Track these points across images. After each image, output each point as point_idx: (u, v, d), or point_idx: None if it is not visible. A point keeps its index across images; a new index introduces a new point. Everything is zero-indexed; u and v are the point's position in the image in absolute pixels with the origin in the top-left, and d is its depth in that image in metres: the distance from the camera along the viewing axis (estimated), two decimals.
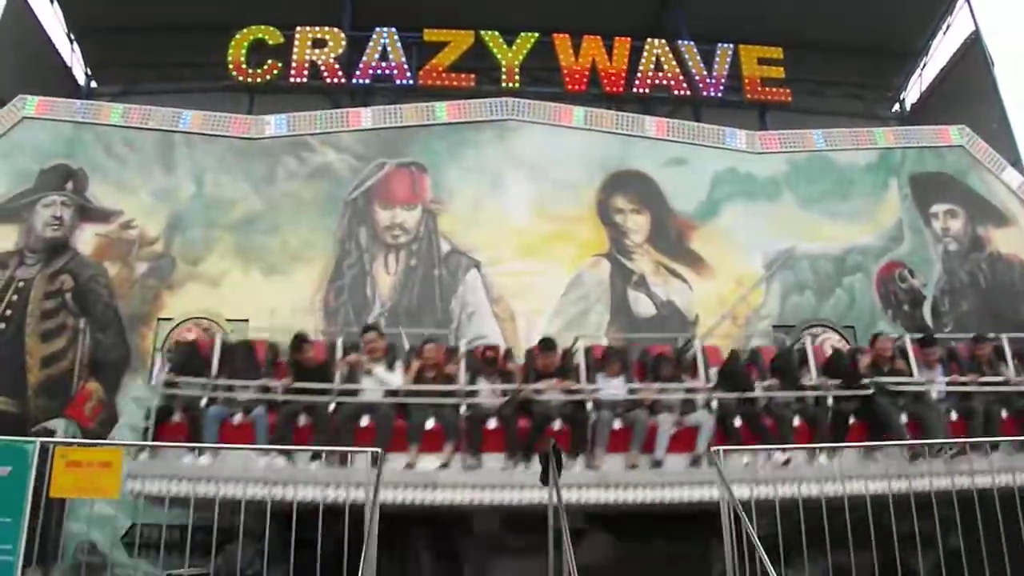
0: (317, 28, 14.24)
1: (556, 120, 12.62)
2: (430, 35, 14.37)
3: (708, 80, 14.62)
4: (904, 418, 8.62)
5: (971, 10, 16.09)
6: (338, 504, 6.92)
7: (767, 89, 14.73)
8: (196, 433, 8.09)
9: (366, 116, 12.48)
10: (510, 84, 14.05)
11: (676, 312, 11.40)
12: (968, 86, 15.90)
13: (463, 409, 8.32)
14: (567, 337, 11.05)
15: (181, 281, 11.12)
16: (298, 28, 14.22)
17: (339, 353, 8.75)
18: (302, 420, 8.18)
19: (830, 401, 8.70)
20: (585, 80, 14.36)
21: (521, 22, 14.64)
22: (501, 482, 8.21)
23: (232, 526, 7.63)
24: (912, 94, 18.09)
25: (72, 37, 16.41)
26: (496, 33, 14.37)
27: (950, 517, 7.51)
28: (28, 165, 11.56)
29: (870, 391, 8.70)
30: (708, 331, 11.26)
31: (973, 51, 16.00)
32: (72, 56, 16.61)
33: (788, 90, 14.80)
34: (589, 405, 8.48)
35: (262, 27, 14.17)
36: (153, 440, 8.15)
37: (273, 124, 12.26)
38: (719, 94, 14.66)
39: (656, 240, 11.89)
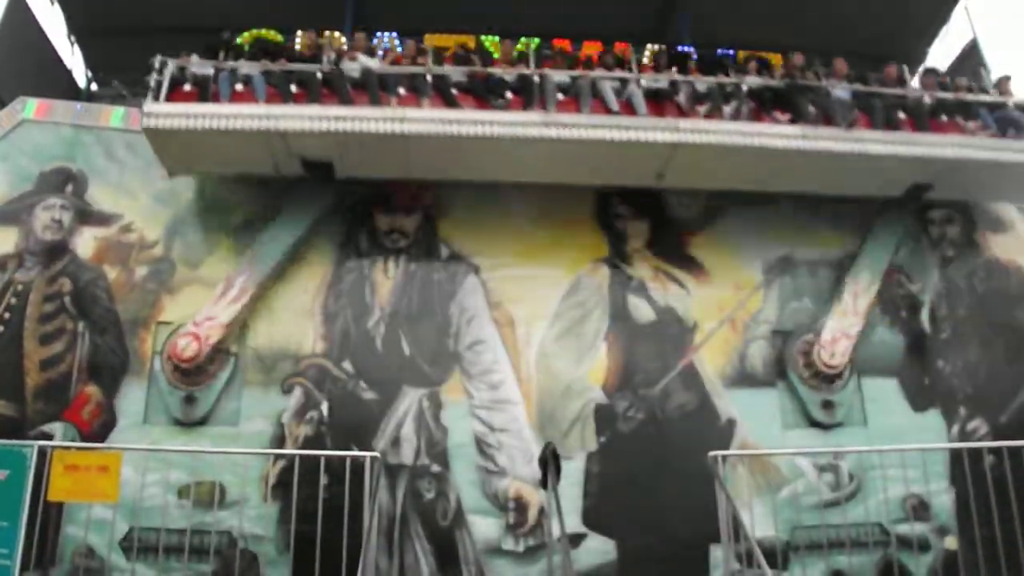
0: (318, 31, 14.27)
1: None
2: (431, 40, 14.39)
3: None
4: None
5: (969, 18, 16.16)
6: None
7: None
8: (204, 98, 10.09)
9: None
10: None
11: (675, 318, 11.40)
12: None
13: None
14: (563, 344, 11.13)
15: (180, 285, 11.11)
16: (299, 31, 14.24)
17: None
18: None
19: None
20: None
21: (522, 27, 14.69)
22: None
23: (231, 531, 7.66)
24: None
25: (73, 39, 16.44)
26: (496, 38, 14.41)
27: None
28: (27, 167, 11.55)
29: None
30: (707, 337, 11.32)
31: (971, 59, 16.05)
32: (73, 58, 16.65)
33: None
34: None
35: (263, 29, 14.21)
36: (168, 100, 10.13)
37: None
38: None
39: (655, 246, 11.90)
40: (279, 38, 14.16)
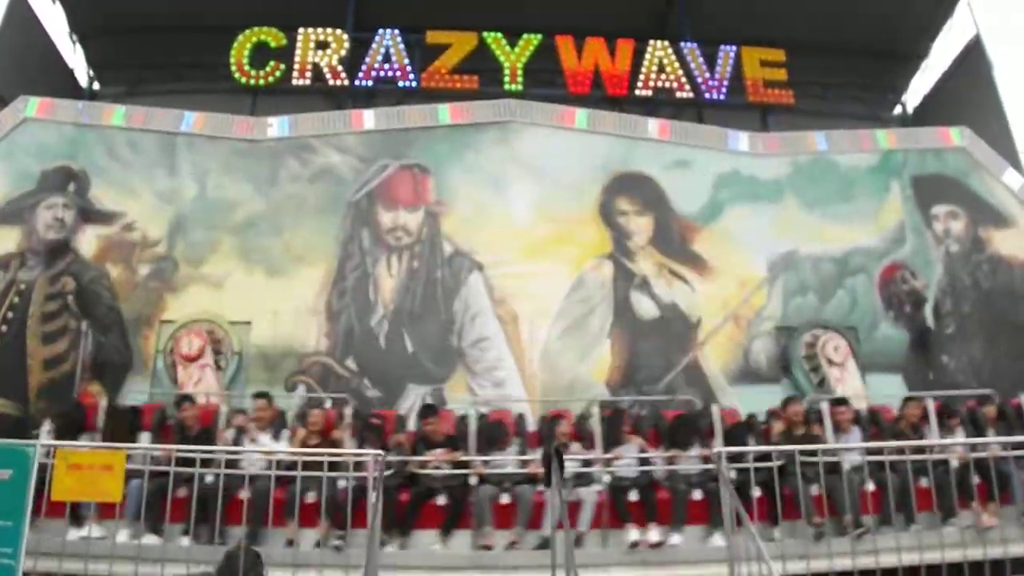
0: (320, 30, 14.27)
1: (559, 122, 12.57)
2: (433, 37, 14.39)
3: (711, 82, 14.66)
4: (814, 491, 7.73)
5: (972, 13, 16.11)
6: None
7: (769, 91, 14.76)
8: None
9: (369, 118, 12.45)
10: (513, 86, 14.08)
11: (679, 314, 11.39)
12: (969, 88, 15.91)
13: (340, 483, 7.42)
14: (566, 341, 11.10)
15: (183, 283, 11.10)
16: (301, 30, 14.25)
17: (222, 420, 8.45)
18: (182, 491, 7.28)
19: (732, 474, 7.27)
20: (588, 82, 14.39)
21: (524, 24, 14.65)
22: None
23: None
24: (913, 96, 18.11)
25: (75, 38, 16.42)
26: (499, 35, 14.40)
27: None
28: (30, 166, 11.55)
29: (780, 462, 7.56)
30: (710, 333, 11.29)
31: (974, 54, 16.01)
32: (75, 57, 16.62)
33: (790, 92, 14.83)
34: (473, 480, 7.81)
35: (265, 29, 14.21)
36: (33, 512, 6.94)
37: (276, 126, 12.22)
38: (722, 96, 14.68)
39: (659, 242, 11.87)
40: (282, 40, 14.12)
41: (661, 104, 14.83)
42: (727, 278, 11.68)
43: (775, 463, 7.37)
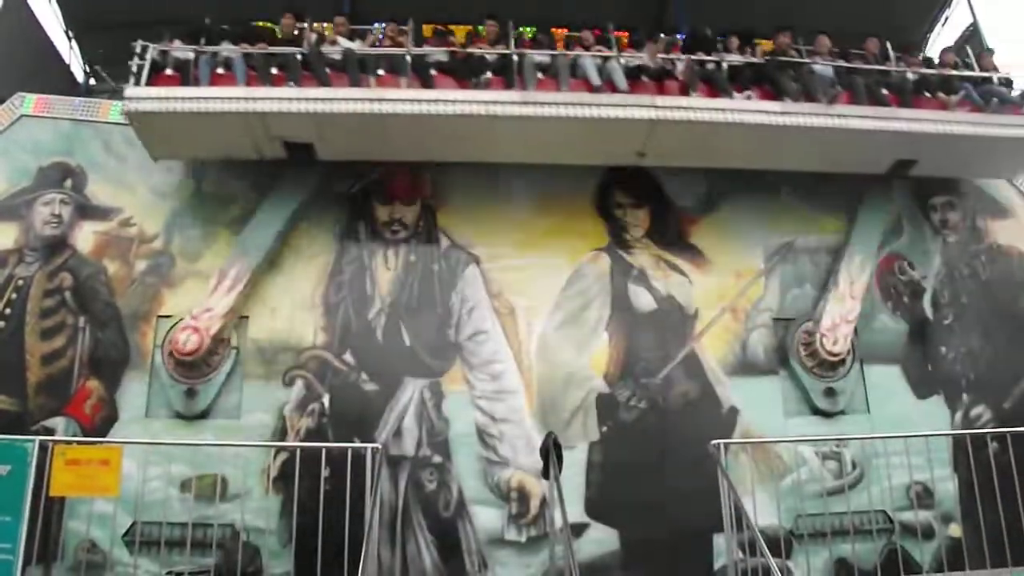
0: (316, 23, 14.21)
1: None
2: (428, 30, 14.34)
3: None
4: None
5: (969, 3, 16.08)
6: None
7: None
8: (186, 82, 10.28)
9: None
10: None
11: (676, 306, 11.39)
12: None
13: None
14: (564, 333, 11.11)
15: (181, 278, 11.10)
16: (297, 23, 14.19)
17: None
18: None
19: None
20: None
21: (519, 16, 14.62)
22: None
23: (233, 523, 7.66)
24: None
25: (70, 35, 16.40)
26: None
27: None
28: (26, 163, 11.53)
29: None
30: (708, 325, 11.30)
31: (971, 43, 15.97)
32: (71, 53, 16.61)
33: None
34: None
35: (260, 23, 14.15)
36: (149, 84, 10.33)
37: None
38: None
39: (656, 234, 11.87)
40: (277, 33, 14.08)
41: None
42: (724, 270, 11.68)
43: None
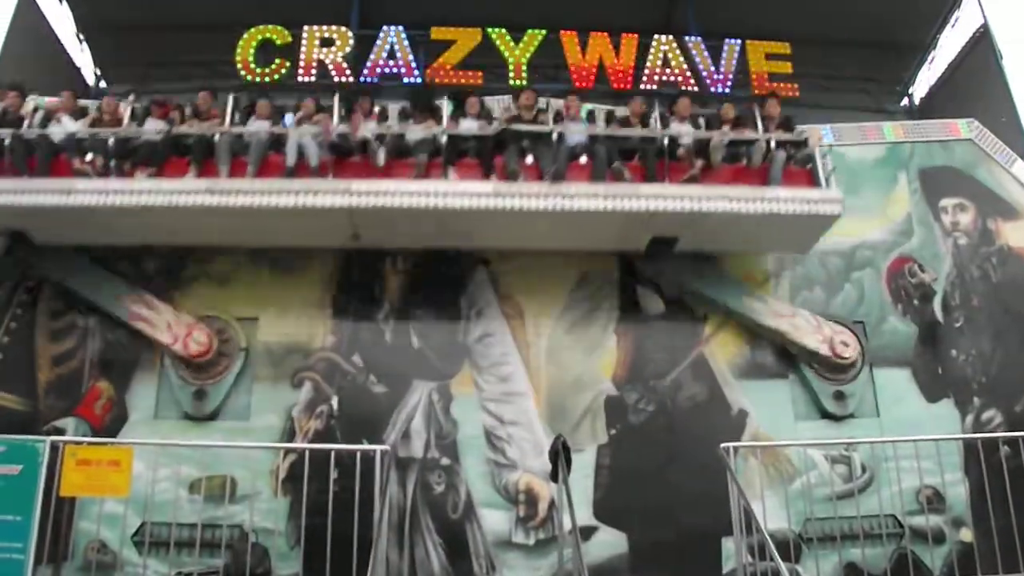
0: (325, 27, 14.29)
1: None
2: (437, 33, 14.39)
3: (715, 76, 14.61)
4: (530, 160, 10.27)
5: (980, 3, 16.04)
6: None
7: (774, 85, 14.68)
8: None
9: None
10: (517, 81, 14.06)
11: (686, 309, 11.37)
12: (977, 80, 15.85)
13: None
14: (573, 336, 11.10)
15: (190, 280, 11.12)
16: (306, 27, 14.26)
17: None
18: None
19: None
20: (592, 77, 14.36)
21: (528, 19, 14.66)
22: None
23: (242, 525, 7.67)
24: (920, 88, 18.04)
25: (81, 37, 16.48)
26: (503, 31, 14.38)
27: None
28: None
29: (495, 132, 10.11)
30: (717, 328, 11.27)
31: (982, 44, 15.94)
32: (82, 56, 16.68)
33: (795, 85, 14.75)
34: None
35: (270, 27, 14.23)
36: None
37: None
38: (727, 90, 14.63)
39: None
40: (287, 37, 14.15)
41: (666, 98, 14.80)
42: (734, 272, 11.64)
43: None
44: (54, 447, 7.45)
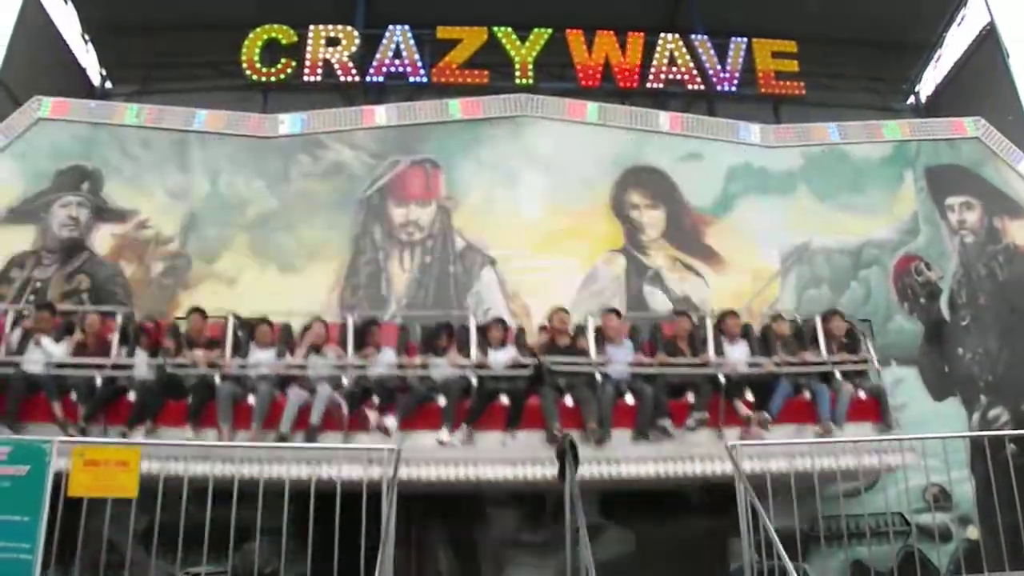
0: (330, 27, 14.28)
1: (570, 116, 12.58)
2: (443, 32, 14.38)
3: (722, 74, 14.61)
4: (569, 402, 8.74)
5: (986, 2, 15.99)
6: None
7: (781, 83, 14.69)
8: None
9: (380, 114, 12.49)
10: (523, 80, 14.06)
11: (692, 307, 11.33)
12: (983, 78, 15.81)
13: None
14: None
15: (197, 280, 11.15)
16: (311, 27, 14.26)
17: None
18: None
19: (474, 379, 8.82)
20: (599, 76, 14.35)
21: (534, 18, 14.64)
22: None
23: (250, 524, 7.66)
24: (927, 86, 18.00)
25: (87, 38, 16.49)
26: (509, 29, 14.37)
27: None
28: (44, 166, 11.62)
29: (527, 371, 8.90)
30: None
31: (988, 43, 15.90)
32: (87, 57, 16.69)
33: (802, 84, 14.75)
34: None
35: (275, 26, 14.23)
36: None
37: (287, 122, 12.26)
38: (733, 88, 14.63)
39: (671, 235, 11.86)
40: (293, 37, 14.15)
41: (672, 97, 14.81)
42: (740, 271, 11.67)
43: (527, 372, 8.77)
44: (62, 447, 7.46)
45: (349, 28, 14.32)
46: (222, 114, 12.30)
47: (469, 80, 14.11)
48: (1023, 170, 12.91)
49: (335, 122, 12.33)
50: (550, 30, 14.42)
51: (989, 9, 15.92)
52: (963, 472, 10.37)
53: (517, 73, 14.17)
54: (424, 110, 12.53)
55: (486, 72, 14.30)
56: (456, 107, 12.52)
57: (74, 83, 15.69)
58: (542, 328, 9.72)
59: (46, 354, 8.90)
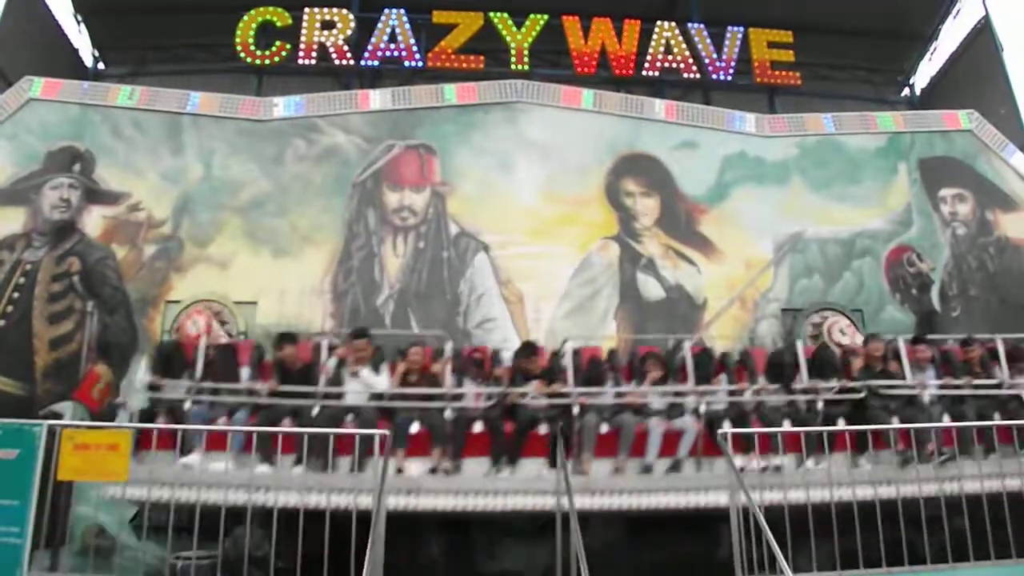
0: (326, 9, 14.21)
1: (565, 103, 12.55)
2: (439, 17, 14.32)
3: (718, 63, 14.59)
4: (896, 422, 8.18)
5: None
6: (319, 509, 6.74)
7: (777, 72, 14.68)
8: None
9: (375, 98, 12.44)
10: (519, 66, 14.03)
11: (685, 295, 11.37)
12: (977, 71, 15.84)
13: (447, 413, 7.99)
14: (573, 322, 11.08)
15: (189, 263, 11.10)
16: (307, 9, 14.18)
17: (324, 354, 8.43)
18: (286, 423, 7.75)
19: (820, 404, 8.38)
20: (594, 63, 14.32)
21: (530, 4, 14.58)
22: (483, 488, 7.91)
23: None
24: (921, 78, 18.03)
25: (79, 18, 16.36)
26: (505, 15, 14.33)
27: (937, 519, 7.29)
28: (35, 147, 11.52)
29: (861, 395, 8.44)
30: (717, 315, 11.27)
31: (983, 36, 15.93)
32: (80, 38, 16.57)
33: (798, 74, 14.76)
34: (576, 409, 8.14)
35: (271, 8, 14.15)
36: (136, 443, 7.58)
37: (282, 106, 12.20)
38: (729, 77, 14.62)
39: (665, 223, 11.85)
40: (288, 19, 14.06)
41: (668, 85, 14.80)
42: (733, 260, 11.67)
43: (857, 396, 8.33)
44: (51, 431, 7.41)
45: (344, 11, 14.24)
46: (216, 97, 12.22)
47: (465, 65, 14.07)
48: (1015, 163, 12.93)
49: (330, 106, 12.27)
50: (546, 16, 14.37)
51: (984, 3, 15.93)
52: None
53: (513, 59, 14.13)
54: (419, 95, 12.47)
55: (482, 58, 14.26)
56: (451, 92, 12.47)
57: (66, 64, 15.57)
58: (848, 352, 9.41)
59: (367, 384, 8.40)
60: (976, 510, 7.19)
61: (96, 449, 7.29)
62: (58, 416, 9.87)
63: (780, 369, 8.76)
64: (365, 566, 6.02)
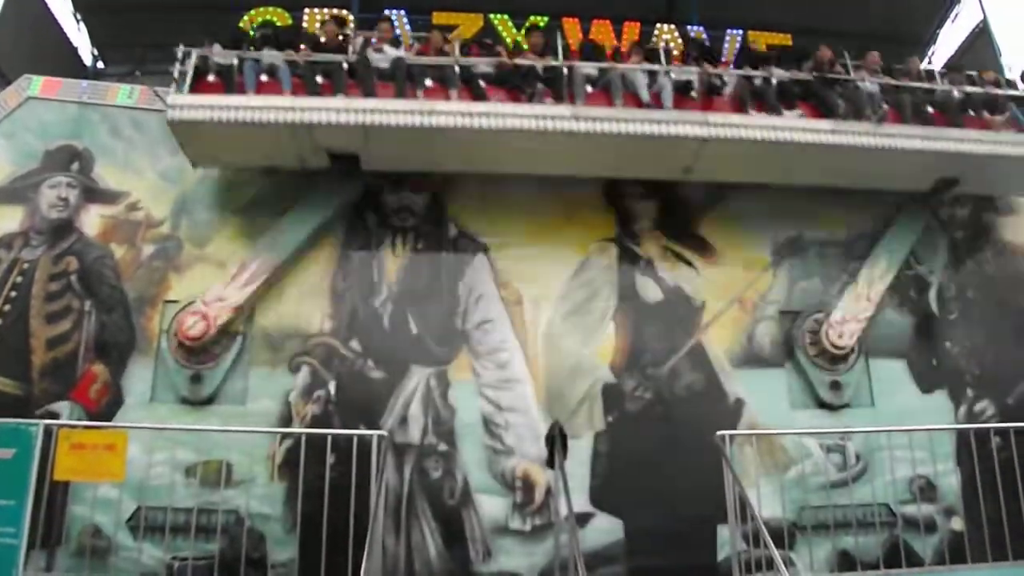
0: (326, 9, 14.20)
1: None
2: (439, 18, 14.30)
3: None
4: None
5: (980, 0, 16.06)
6: None
7: None
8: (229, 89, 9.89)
9: None
10: None
11: (683, 297, 11.37)
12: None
13: None
14: (575, 321, 11.08)
15: (188, 263, 11.07)
16: (307, 9, 14.18)
17: None
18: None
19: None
20: None
21: (530, 5, 14.61)
22: None
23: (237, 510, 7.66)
24: None
25: (79, 17, 16.38)
26: (506, 16, 14.34)
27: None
28: (33, 145, 11.50)
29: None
30: (715, 317, 11.28)
31: (981, 40, 15.97)
32: (79, 36, 16.59)
33: None
34: None
35: (271, 8, 14.15)
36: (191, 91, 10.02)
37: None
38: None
39: (664, 225, 11.85)
40: (288, 19, 14.07)
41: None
42: (732, 262, 11.66)
43: None
44: (48, 431, 7.41)
45: (345, 11, 14.24)
46: None
47: None
48: None
49: None
50: (546, 17, 14.38)
51: (982, 7, 15.98)
52: (949, 464, 10.51)
53: None
54: None
55: None
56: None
57: (65, 63, 15.58)
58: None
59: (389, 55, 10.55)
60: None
61: (93, 449, 7.33)
62: (55, 416, 9.89)
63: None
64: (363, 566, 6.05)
